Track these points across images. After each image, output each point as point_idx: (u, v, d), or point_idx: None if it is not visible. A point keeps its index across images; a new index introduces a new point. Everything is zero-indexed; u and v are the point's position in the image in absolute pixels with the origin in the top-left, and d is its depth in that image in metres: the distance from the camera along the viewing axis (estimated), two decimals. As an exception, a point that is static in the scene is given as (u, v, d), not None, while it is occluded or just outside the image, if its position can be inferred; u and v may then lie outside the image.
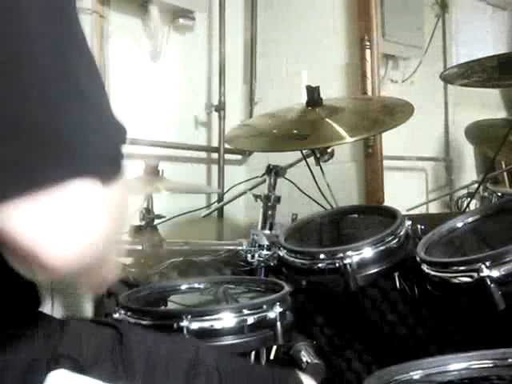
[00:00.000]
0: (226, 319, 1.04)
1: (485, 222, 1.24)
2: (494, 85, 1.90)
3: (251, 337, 1.05)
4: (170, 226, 1.87)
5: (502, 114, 2.26)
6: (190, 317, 1.01)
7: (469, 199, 1.92)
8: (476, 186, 1.87)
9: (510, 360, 0.79)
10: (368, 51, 2.13)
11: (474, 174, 2.20)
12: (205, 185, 2.50)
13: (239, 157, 2.61)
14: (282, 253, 1.31)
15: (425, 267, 1.09)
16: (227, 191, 2.20)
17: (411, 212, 1.98)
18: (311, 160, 1.70)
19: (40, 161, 0.48)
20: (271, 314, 1.06)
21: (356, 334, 1.55)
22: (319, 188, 1.79)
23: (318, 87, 1.66)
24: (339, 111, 1.64)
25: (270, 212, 1.62)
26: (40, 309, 0.72)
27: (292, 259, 1.27)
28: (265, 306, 1.07)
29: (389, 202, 2.03)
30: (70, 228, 0.49)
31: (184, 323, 1.00)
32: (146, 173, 1.70)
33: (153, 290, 1.30)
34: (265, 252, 1.51)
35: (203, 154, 2.53)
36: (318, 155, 1.64)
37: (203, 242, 1.69)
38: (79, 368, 0.62)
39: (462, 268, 1.00)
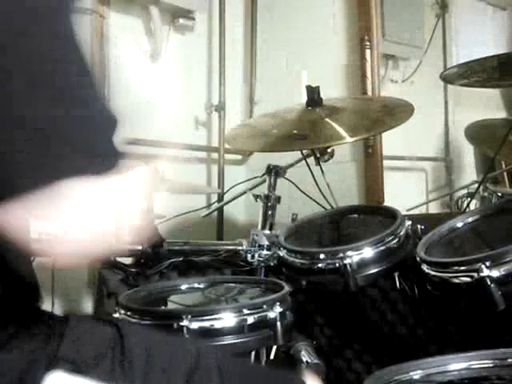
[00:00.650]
0: (226, 319, 1.04)
1: (485, 222, 1.24)
2: (494, 85, 1.90)
3: (251, 337, 1.05)
4: (169, 226, 1.87)
5: (501, 114, 2.26)
6: (190, 317, 1.01)
7: (469, 199, 1.92)
8: (476, 185, 1.86)
9: (509, 360, 0.79)
10: (368, 51, 2.13)
11: (473, 174, 2.20)
12: (205, 185, 2.50)
13: (239, 157, 2.61)
14: (282, 253, 1.31)
15: (425, 267, 1.09)
16: (227, 191, 2.20)
17: (411, 212, 1.99)
18: (311, 160, 1.70)
19: (34, 160, 0.48)
20: (271, 314, 1.06)
21: (356, 334, 1.55)
22: (319, 188, 1.79)
23: (317, 87, 1.66)
24: (339, 111, 1.64)
25: (270, 212, 1.62)
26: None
27: (292, 259, 1.27)
28: (265, 306, 1.07)
29: (389, 202, 2.03)
30: (69, 226, 0.49)
31: (184, 323, 1.00)
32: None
33: (153, 290, 1.30)
34: (265, 252, 1.52)
35: (203, 154, 2.53)
36: (318, 155, 1.64)
37: (203, 242, 1.69)
38: (78, 370, 0.62)
39: (461, 268, 1.00)
